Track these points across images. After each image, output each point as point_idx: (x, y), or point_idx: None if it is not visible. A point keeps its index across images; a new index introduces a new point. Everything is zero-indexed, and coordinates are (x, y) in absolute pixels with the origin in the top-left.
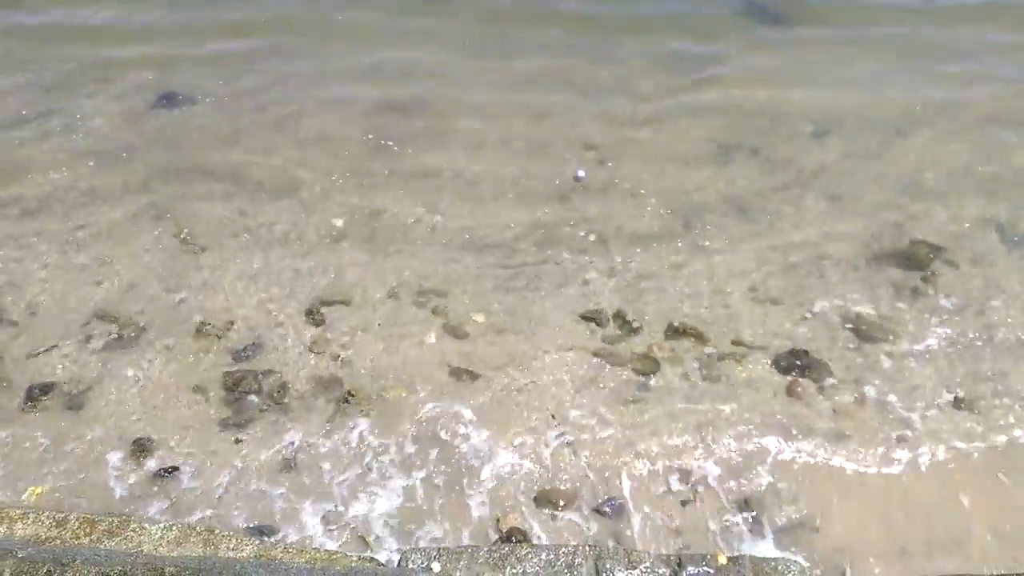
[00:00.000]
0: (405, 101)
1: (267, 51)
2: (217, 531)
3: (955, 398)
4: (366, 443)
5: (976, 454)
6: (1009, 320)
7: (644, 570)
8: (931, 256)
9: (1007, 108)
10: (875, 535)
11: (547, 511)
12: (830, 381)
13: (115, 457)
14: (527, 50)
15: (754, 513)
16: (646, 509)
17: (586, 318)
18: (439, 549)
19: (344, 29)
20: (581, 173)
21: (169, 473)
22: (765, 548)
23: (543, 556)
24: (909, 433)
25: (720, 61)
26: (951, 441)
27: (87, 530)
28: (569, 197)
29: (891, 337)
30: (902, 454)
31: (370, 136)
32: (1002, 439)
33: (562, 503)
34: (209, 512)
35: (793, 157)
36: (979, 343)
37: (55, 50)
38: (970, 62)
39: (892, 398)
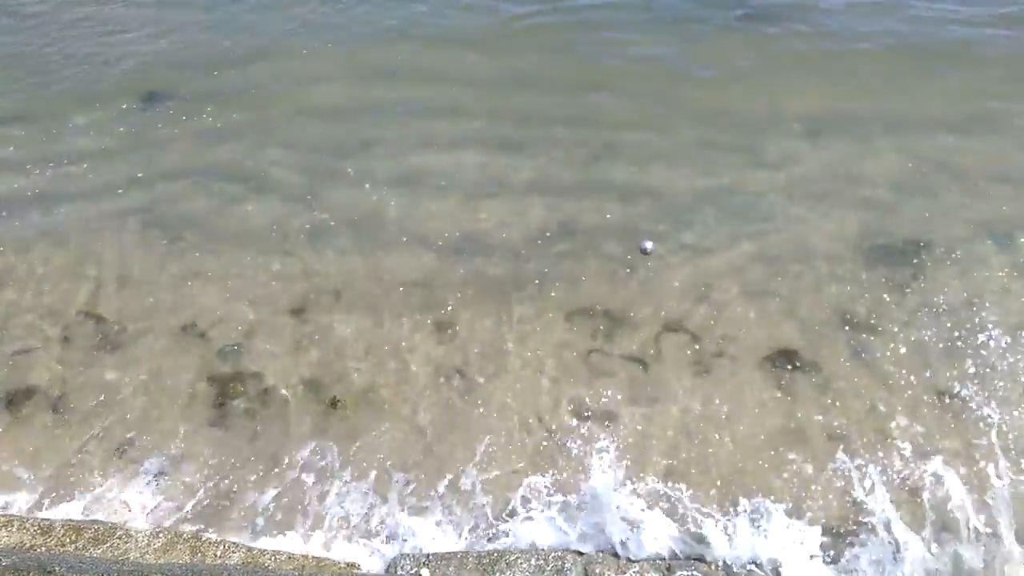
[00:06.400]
0: (394, 101)
1: (254, 52)
2: (204, 538)
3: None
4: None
5: None
6: (995, 316)
7: (634, 574)
8: (919, 254)
9: (996, 109)
10: None
11: None
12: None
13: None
14: (520, 51)
15: None
16: None
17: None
18: (428, 555)
19: (329, 31)
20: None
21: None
22: None
23: (532, 561)
24: None
25: (709, 61)
26: None
27: (72, 537)
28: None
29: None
30: None
31: (355, 137)
32: None
33: None
34: (195, 515)
35: (782, 156)
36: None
37: (40, 49)
38: (961, 62)
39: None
